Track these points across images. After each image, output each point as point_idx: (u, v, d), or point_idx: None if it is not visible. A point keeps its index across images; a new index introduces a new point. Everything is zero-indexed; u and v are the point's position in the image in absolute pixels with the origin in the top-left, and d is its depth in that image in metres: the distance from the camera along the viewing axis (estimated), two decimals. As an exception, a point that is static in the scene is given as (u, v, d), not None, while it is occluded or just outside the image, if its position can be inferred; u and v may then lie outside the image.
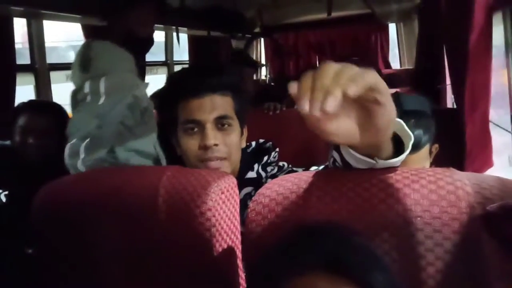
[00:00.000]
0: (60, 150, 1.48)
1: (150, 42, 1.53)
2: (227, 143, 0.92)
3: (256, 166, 0.99)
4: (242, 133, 0.99)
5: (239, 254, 0.71)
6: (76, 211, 0.75)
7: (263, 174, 0.99)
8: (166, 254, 0.68)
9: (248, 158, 1.01)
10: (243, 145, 1.01)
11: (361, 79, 0.44)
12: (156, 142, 1.47)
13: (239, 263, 0.71)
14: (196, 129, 0.92)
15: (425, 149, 1.03)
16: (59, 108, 1.61)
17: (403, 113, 0.95)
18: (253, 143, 1.06)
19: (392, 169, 0.60)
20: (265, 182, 0.92)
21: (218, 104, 0.92)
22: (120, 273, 0.72)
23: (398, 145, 0.58)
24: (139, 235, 0.70)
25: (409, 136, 0.58)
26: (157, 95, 1.01)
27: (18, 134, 1.46)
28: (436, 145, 1.12)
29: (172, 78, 1.01)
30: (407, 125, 0.59)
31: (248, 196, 0.94)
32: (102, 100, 1.33)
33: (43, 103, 1.71)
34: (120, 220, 0.71)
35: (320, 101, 0.43)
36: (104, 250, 0.72)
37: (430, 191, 0.55)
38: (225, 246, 0.68)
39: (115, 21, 1.40)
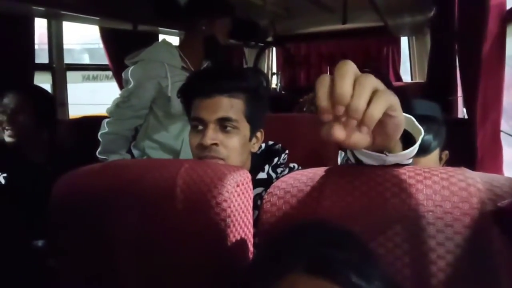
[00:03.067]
0: (43, 130, 1.58)
1: (224, 50, 1.75)
2: (227, 145, 0.93)
3: (266, 167, 1.01)
4: (252, 138, 0.99)
5: (250, 245, 0.73)
6: (95, 202, 0.77)
7: (274, 175, 1.00)
8: (182, 243, 0.69)
9: (259, 160, 1.03)
10: (254, 149, 1.01)
11: (383, 100, 0.45)
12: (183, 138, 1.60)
13: (250, 254, 0.73)
14: (200, 127, 0.94)
15: (435, 154, 1.04)
16: (40, 90, 1.69)
17: (414, 118, 0.97)
18: (263, 145, 1.08)
19: (405, 166, 0.62)
20: None
21: (223, 106, 0.93)
22: (136, 261, 0.74)
23: (409, 143, 0.59)
24: (157, 224, 0.72)
25: (419, 131, 0.59)
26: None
27: None
28: (446, 152, 1.14)
29: (190, 77, 1.04)
30: None
31: (259, 197, 0.95)
32: (131, 85, 1.47)
33: (24, 86, 1.75)
34: (138, 210, 0.73)
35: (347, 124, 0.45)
36: (121, 239, 0.74)
37: (442, 187, 0.57)
38: (239, 237, 0.70)
39: (201, 25, 1.63)
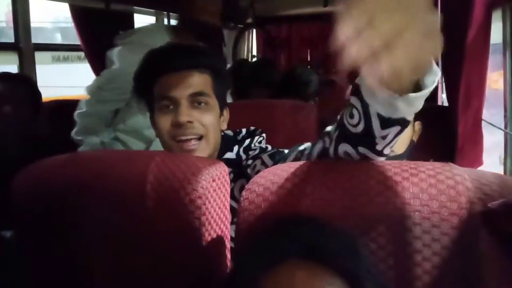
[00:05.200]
0: (32, 120, 1.49)
1: (218, 32, 1.68)
2: (203, 122, 0.89)
3: (236, 148, 0.97)
4: (221, 115, 0.96)
5: (228, 244, 0.69)
6: (59, 195, 0.71)
7: (244, 156, 0.96)
8: (153, 243, 0.65)
9: (229, 141, 0.99)
10: (224, 127, 0.98)
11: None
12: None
13: (227, 254, 0.69)
14: (171, 107, 0.89)
15: None
16: (29, 79, 1.61)
17: None
18: (243, 130, 1.04)
19: (391, 162, 0.58)
20: (246, 165, 0.91)
21: (194, 81, 0.89)
22: (104, 260, 0.69)
23: None
24: (125, 222, 0.67)
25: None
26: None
27: None
28: (418, 122, 1.11)
29: (150, 54, 0.96)
30: None
31: None
32: (115, 66, 1.41)
33: (13, 75, 1.65)
34: (105, 206, 0.68)
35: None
36: (88, 236, 0.69)
37: (429, 185, 0.54)
38: (215, 236, 0.66)
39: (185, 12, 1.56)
